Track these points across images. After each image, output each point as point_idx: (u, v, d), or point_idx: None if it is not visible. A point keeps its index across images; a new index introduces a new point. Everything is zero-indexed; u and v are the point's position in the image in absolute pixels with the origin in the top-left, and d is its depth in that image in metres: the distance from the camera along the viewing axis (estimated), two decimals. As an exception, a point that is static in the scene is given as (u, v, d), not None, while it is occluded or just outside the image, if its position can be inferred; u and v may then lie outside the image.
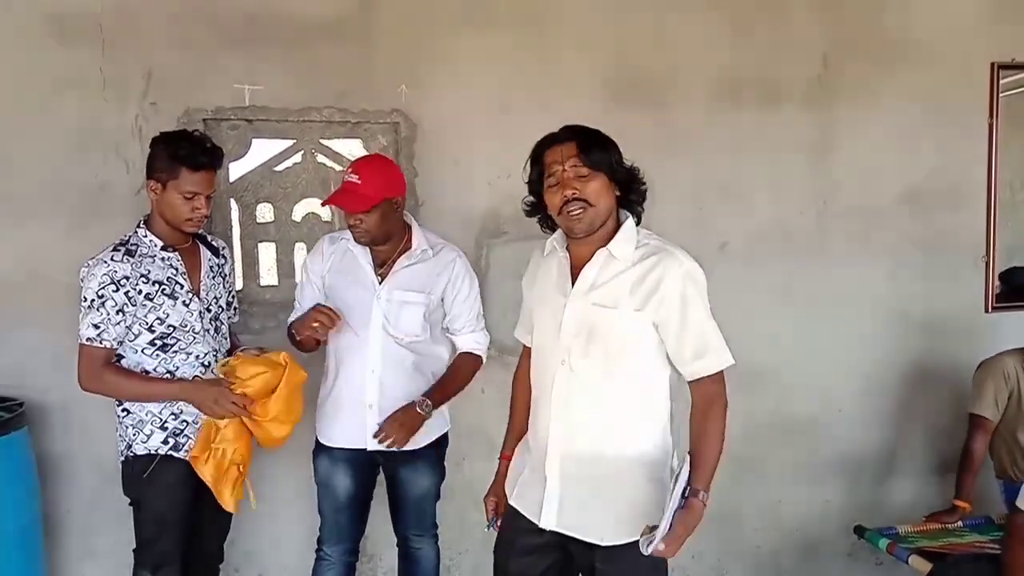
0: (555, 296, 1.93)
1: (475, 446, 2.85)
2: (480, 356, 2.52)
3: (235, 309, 2.56)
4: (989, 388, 2.90)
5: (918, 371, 3.37)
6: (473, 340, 2.50)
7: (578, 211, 1.81)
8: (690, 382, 1.87)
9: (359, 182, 2.26)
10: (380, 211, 2.29)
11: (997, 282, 3.42)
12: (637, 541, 1.73)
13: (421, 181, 2.90)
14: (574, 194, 1.81)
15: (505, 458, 2.13)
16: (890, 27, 3.24)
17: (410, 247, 2.40)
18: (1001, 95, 3.33)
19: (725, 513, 3.26)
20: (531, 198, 1.97)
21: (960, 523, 2.86)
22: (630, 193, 1.90)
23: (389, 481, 2.50)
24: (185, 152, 2.20)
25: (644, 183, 1.92)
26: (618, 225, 1.90)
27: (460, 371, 2.48)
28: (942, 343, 3.36)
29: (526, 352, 2.14)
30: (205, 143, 2.25)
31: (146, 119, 2.68)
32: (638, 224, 1.93)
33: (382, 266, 2.40)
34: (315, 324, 2.23)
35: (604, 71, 3.03)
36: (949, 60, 3.28)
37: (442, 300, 2.43)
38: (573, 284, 1.90)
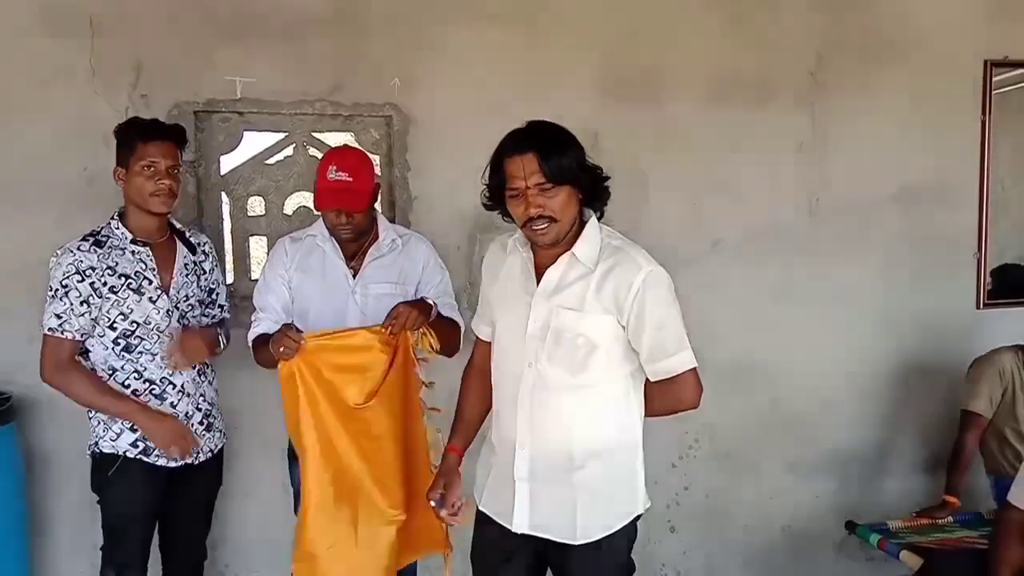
0: (519, 295, 1.87)
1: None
2: (459, 325, 2.37)
3: (220, 307, 2.48)
4: (984, 385, 2.90)
5: (909, 367, 3.37)
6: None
7: (544, 226, 1.75)
8: (654, 382, 1.86)
9: (352, 179, 2.20)
10: (371, 205, 2.27)
11: (988, 279, 3.42)
12: (605, 539, 1.81)
13: (414, 175, 2.88)
14: (539, 212, 1.74)
15: (453, 450, 2.03)
16: (883, 24, 3.24)
17: (378, 238, 2.35)
18: (994, 92, 3.33)
19: (716, 509, 3.27)
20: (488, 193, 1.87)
21: (950, 519, 2.88)
22: (595, 194, 1.83)
23: None
24: (134, 127, 2.24)
25: (607, 184, 1.84)
26: (581, 224, 1.84)
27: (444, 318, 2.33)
28: (933, 340, 3.36)
29: (480, 346, 2.05)
30: (156, 121, 2.27)
31: (136, 112, 2.64)
32: (600, 218, 1.88)
33: (351, 259, 2.33)
34: (282, 349, 2.05)
35: (598, 67, 3.01)
36: (942, 57, 3.29)
37: (415, 292, 2.34)
38: (537, 284, 1.85)
